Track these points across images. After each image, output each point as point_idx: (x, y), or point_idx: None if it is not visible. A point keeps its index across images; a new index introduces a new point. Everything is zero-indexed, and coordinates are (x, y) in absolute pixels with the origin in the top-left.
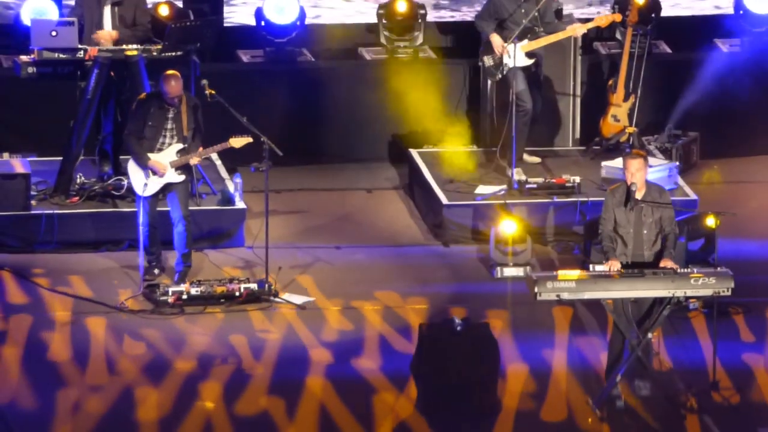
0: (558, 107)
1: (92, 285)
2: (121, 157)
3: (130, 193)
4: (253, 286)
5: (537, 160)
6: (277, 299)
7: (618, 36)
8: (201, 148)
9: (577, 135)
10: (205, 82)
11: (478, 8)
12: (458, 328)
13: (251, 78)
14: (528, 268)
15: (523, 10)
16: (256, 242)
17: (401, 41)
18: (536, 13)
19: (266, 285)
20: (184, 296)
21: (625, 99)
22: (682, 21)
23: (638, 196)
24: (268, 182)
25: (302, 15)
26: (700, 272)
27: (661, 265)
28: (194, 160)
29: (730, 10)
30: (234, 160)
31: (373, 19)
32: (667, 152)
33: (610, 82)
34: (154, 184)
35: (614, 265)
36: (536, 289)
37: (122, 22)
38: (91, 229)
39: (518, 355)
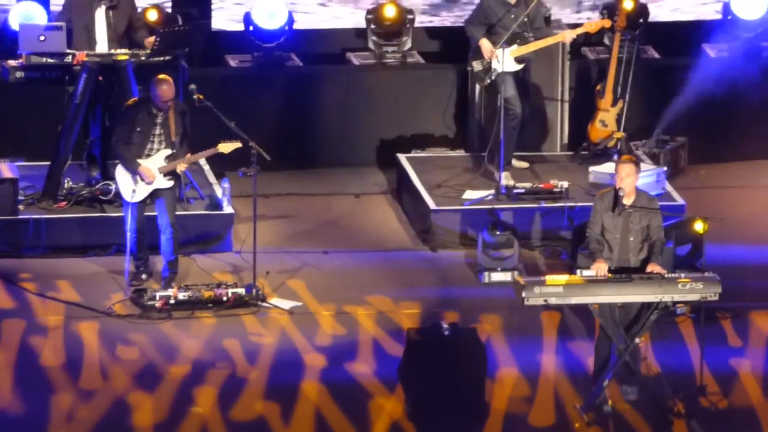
0: (546, 112)
1: (80, 290)
2: (109, 161)
3: (118, 198)
4: (241, 290)
5: (525, 165)
6: (264, 304)
7: (606, 41)
8: (189, 154)
9: (565, 140)
10: (193, 87)
11: (459, 13)
12: (446, 333)
13: (239, 83)
14: (515, 273)
15: (512, 15)
16: (244, 247)
17: (389, 46)
18: (525, 19)
19: (254, 290)
20: (172, 301)
21: (613, 104)
22: (670, 26)
23: (627, 202)
24: (256, 187)
25: (290, 20)
26: (687, 277)
27: (649, 269)
28: (182, 166)
29: (719, 16)
30: (222, 165)
31: (361, 24)
32: (655, 157)
33: (598, 87)
34: (143, 190)
35: (601, 268)
36: (524, 294)
37: (116, 26)
38: (78, 234)
39: (506, 360)
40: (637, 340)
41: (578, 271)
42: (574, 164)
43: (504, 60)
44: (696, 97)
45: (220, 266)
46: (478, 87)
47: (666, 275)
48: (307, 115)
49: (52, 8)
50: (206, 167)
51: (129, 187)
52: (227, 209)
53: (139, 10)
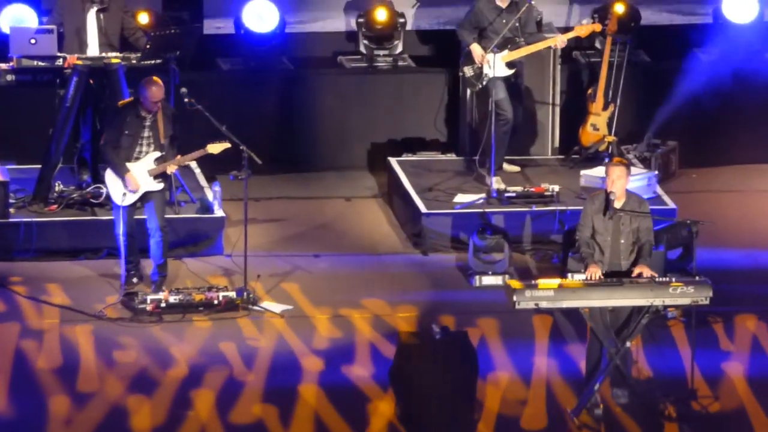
0: (537, 116)
1: (70, 293)
2: (100, 165)
3: (109, 201)
4: (232, 294)
5: (516, 169)
6: (256, 307)
7: (597, 45)
8: (179, 156)
9: (557, 144)
10: (184, 90)
11: (441, 18)
12: (437, 337)
13: (231, 86)
14: (506, 276)
15: (504, 20)
16: (235, 250)
17: (381, 50)
18: (517, 23)
19: (245, 293)
20: (163, 304)
21: (605, 108)
22: (661, 30)
23: (617, 204)
24: (247, 190)
25: (282, 23)
26: (678, 281)
27: (637, 270)
28: (171, 168)
29: (709, 20)
30: (213, 168)
31: (352, 28)
32: (646, 161)
33: (590, 91)
34: (133, 194)
35: (594, 273)
36: (515, 298)
37: (107, 29)
38: (69, 237)
39: (498, 364)
40: (628, 343)
41: (569, 275)
42: (566, 168)
43: (495, 65)
44: (687, 102)
45: (211, 270)
46: (469, 91)
47: (657, 279)
48: (298, 118)
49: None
50: (197, 170)
51: (119, 190)
52: (218, 212)
53: (130, 13)
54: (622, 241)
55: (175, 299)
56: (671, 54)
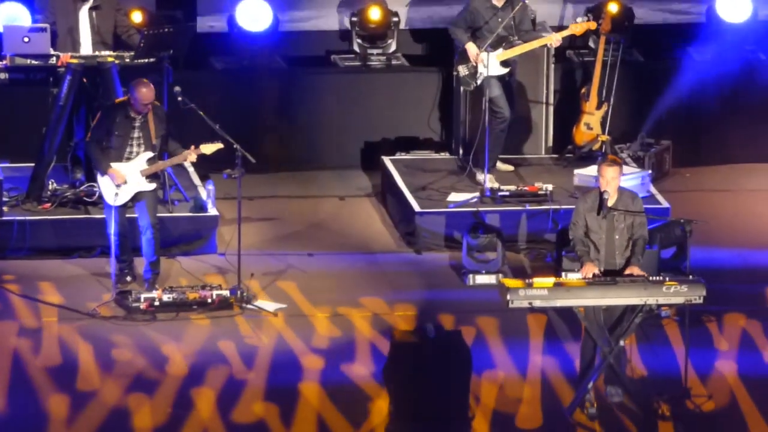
0: (531, 115)
1: (64, 292)
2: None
3: (102, 200)
4: (226, 292)
5: (510, 168)
6: (249, 306)
7: (591, 44)
8: (192, 147)
9: (550, 143)
10: (178, 89)
11: (434, 17)
12: (430, 336)
13: (224, 85)
14: (500, 275)
15: (499, 19)
16: (229, 249)
17: (374, 49)
18: (512, 22)
19: (239, 291)
20: (156, 303)
21: (598, 107)
22: (654, 29)
23: (610, 203)
24: (241, 189)
25: (276, 22)
26: (672, 280)
27: (627, 272)
28: (192, 157)
29: (703, 19)
30: (206, 167)
31: (346, 27)
32: (640, 160)
33: (583, 90)
34: (125, 194)
35: (590, 271)
36: (508, 297)
37: (100, 27)
38: (62, 236)
39: (493, 362)
40: (621, 342)
41: (564, 273)
42: (559, 167)
43: (490, 64)
44: (681, 101)
45: (204, 268)
46: (463, 89)
47: (650, 278)
48: (291, 117)
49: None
50: (191, 169)
51: (111, 190)
52: (212, 211)
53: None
54: (617, 238)
55: (168, 298)
56: (665, 53)
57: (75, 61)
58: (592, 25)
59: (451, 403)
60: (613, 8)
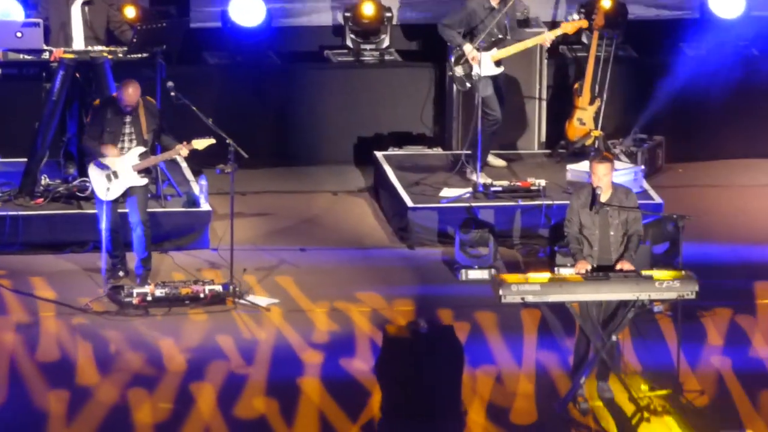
0: (524, 110)
1: (56, 287)
2: (86, 159)
3: (94, 195)
4: (218, 287)
5: (503, 163)
6: (242, 301)
7: (584, 40)
8: (184, 142)
9: (543, 138)
10: (171, 84)
11: (428, 13)
12: (423, 331)
13: (217, 80)
14: (493, 271)
15: (494, 19)
16: (222, 244)
17: (367, 44)
18: (506, 22)
19: (231, 287)
20: (149, 298)
21: (591, 102)
22: (648, 25)
23: (603, 198)
24: (234, 184)
25: (269, 17)
26: (665, 275)
27: (618, 267)
28: (184, 152)
29: (696, 14)
30: (199, 162)
31: (339, 22)
32: (633, 156)
33: (576, 86)
34: (117, 188)
35: (583, 267)
36: (501, 292)
37: (92, 22)
38: (55, 231)
39: (487, 357)
40: (614, 337)
41: (557, 269)
42: (552, 162)
43: (485, 64)
44: (674, 96)
45: (197, 263)
46: (457, 88)
47: (643, 273)
48: (285, 112)
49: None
50: (183, 164)
51: (103, 185)
52: (204, 206)
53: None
54: (612, 234)
55: (161, 293)
56: (658, 49)
57: (68, 56)
58: (584, 24)
59: (443, 398)
60: (606, 4)
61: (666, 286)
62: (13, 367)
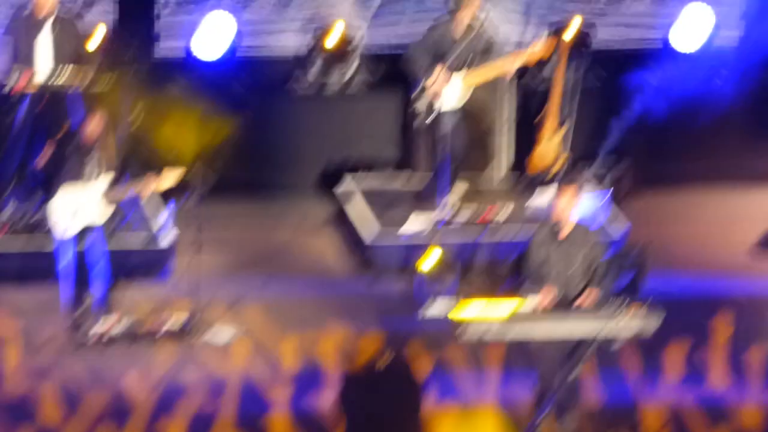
0: (489, 140)
1: (17, 321)
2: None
3: (56, 228)
4: (180, 321)
5: (464, 191)
6: (205, 334)
7: (550, 67)
8: (151, 174)
9: (508, 167)
10: (136, 113)
11: (393, 41)
12: (382, 366)
13: (182, 109)
14: (454, 303)
15: (458, 50)
16: (185, 276)
17: (332, 74)
18: (470, 53)
19: (194, 319)
20: (110, 333)
21: (558, 129)
22: (613, 53)
23: (565, 232)
24: (197, 216)
25: (233, 47)
26: (627, 308)
27: (580, 300)
28: (152, 184)
29: (660, 45)
30: (163, 193)
31: (304, 51)
32: (600, 181)
33: (541, 114)
34: (80, 221)
35: (547, 296)
36: (460, 330)
37: (58, 50)
38: (17, 263)
39: (451, 391)
40: (575, 371)
41: (520, 301)
42: (516, 192)
43: (448, 96)
44: (639, 123)
45: (160, 296)
46: (420, 115)
47: (605, 306)
48: (249, 141)
49: None
50: (147, 194)
51: (66, 218)
52: (167, 239)
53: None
54: (573, 270)
55: (122, 328)
56: (624, 76)
57: (33, 85)
58: (548, 52)
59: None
60: (572, 30)
61: (627, 321)
62: None
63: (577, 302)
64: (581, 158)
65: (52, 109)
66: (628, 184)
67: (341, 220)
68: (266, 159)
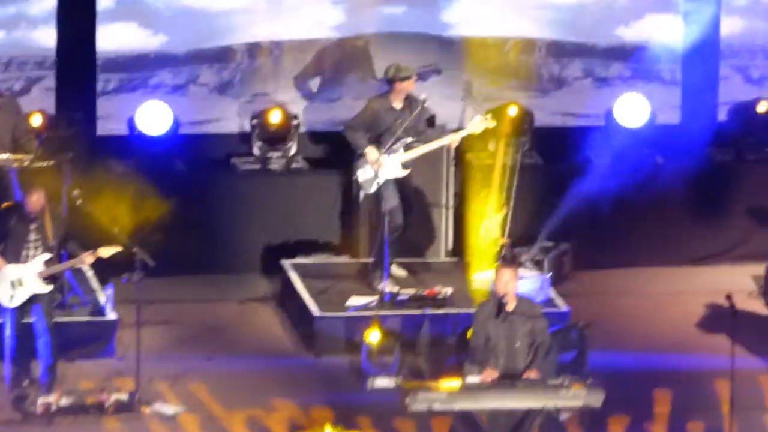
0: (431, 218)
1: None
2: None
3: None
4: (124, 396)
5: (404, 273)
6: (148, 410)
7: (491, 147)
8: (90, 250)
9: (450, 246)
10: (77, 191)
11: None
12: None
13: (124, 187)
14: (399, 379)
15: (398, 120)
16: (127, 353)
17: (274, 151)
18: (411, 123)
19: (137, 395)
20: (54, 407)
21: (498, 210)
22: (554, 132)
23: (509, 308)
24: (140, 293)
25: (176, 125)
26: (570, 384)
27: (525, 376)
28: (90, 259)
29: (602, 122)
30: (105, 270)
31: (246, 129)
32: (539, 264)
33: (482, 193)
34: (21, 295)
35: (489, 376)
36: (408, 400)
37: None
38: None
39: None
40: None
41: (464, 378)
42: (459, 270)
43: (389, 167)
44: (580, 204)
45: (104, 372)
46: (362, 193)
47: (549, 381)
48: (191, 220)
49: None
50: (89, 273)
51: (7, 292)
52: (110, 315)
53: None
54: (518, 345)
55: (66, 401)
56: (565, 156)
57: None
58: (491, 124)
59: None
60: (512, 111)
61: (572, 394)
62: None
63: (524, 375)
64: (521, 240)
65: None
66: (568, 266)
67: (287, 295)
68: (208, 237)
